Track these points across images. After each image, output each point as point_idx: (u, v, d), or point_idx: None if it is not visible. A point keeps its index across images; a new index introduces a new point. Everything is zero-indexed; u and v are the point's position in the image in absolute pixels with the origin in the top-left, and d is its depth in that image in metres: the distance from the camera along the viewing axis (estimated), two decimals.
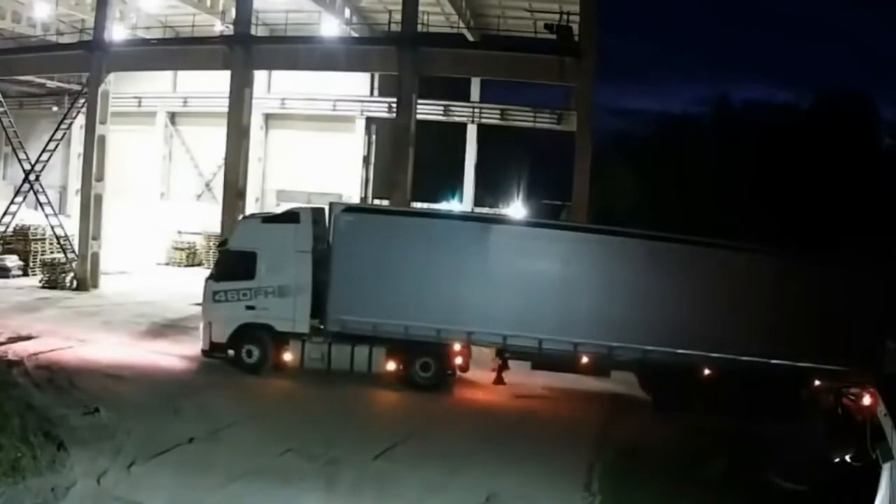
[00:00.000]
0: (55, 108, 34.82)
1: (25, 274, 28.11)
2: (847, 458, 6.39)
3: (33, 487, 9.44)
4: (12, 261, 28.11)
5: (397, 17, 25.80)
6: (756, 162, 45.45)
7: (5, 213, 29.27)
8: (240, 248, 16.99)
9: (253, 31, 26.26)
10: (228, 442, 12.18)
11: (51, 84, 34.38)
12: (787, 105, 52.64)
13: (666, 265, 16.16)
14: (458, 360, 16.46)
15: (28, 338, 18.18)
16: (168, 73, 34.62)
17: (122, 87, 30.09)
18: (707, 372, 15.82)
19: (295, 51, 26.91)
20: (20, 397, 12.87)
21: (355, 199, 33.66)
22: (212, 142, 30.07)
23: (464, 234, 16.73)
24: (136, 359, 17.21)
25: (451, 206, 33.87)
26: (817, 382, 15.67)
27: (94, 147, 27.15)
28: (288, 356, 16.41)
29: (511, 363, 16.75)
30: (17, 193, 29.95)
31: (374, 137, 35.24)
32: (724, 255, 16.38)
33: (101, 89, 27.12)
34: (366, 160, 35.18)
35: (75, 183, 31.80)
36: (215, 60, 26.15)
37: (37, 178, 29.80)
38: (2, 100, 30.67)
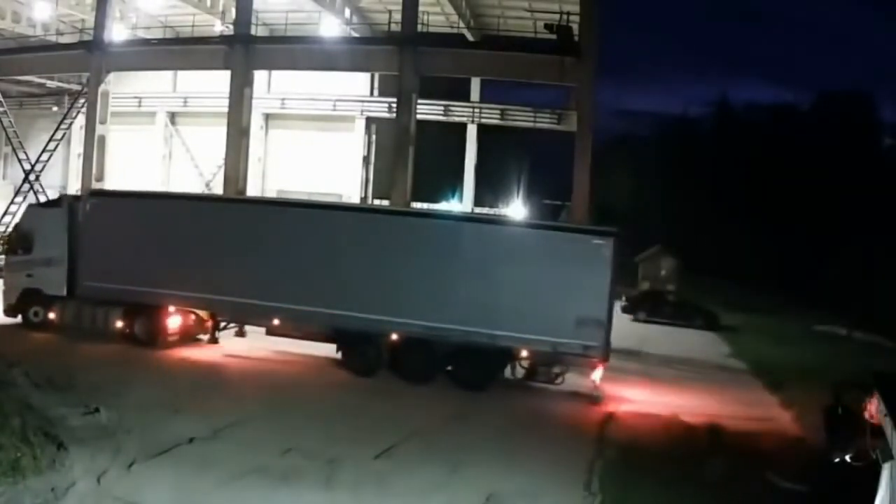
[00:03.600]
0: (55, 108, 34.82)
1: None
2: (847, 458, 6.38)
3: (33, 487, 9.42)
4: None
5: (397, 17, 25.81)
6: (756, 162, 45.51)
7: (5, 213, 29.29)
8: (24, 229, 20.34)
9: (253, 31, 26.28)
10: None
11: (51, 84, 34.37)
12: (787, 105, 52.70)
13: (347, 232, 17.20)
14: (173, 322, 18.45)
15: None
16: (168, 73, 34.61)
17: (122, 86, 30.10)
18: (394, 337, 16.50)
19: (295, 51, 26.92)
20: (20, 397, 12.86)
21: (355, 198, 33.68)
22: (212, 142, 30.06)
23: (174, 211, 19.16)
24: None
25: (451, 205, 33.85)
26: (525, 353, 16.06)
27: (94, 147, 27.15)
28: (52, 315, 19.24)
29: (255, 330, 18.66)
30: (17, 193, 30.01)
31: (374, 137, 35.24)
32: (412, 222, 17.74)
33: (101, 89, 27.13)
34: (366, 160, 35.18)
35: (75, 183, 31.78)
36: (215, 60, 26.16)
37: (37, 178, 29.84)
38: (2, 100, 30.71)
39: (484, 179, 36.22)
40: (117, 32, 28.75)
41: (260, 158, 34.03)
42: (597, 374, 15.93)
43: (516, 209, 34.42)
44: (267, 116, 35.02)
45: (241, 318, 18.88)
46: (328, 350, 17.52)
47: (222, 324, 19.11)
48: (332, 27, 31.43)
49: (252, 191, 28.76)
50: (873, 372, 6.88)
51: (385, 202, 28.20)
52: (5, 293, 20.02)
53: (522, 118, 34.41)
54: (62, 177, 35.95)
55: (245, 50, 25.38)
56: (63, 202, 20.36)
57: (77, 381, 14.15)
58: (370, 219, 18.55)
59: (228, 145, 25.50)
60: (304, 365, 17.58)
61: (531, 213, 34.55)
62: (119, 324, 18.57)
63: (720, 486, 10.87)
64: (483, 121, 34.65)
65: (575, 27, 23.81)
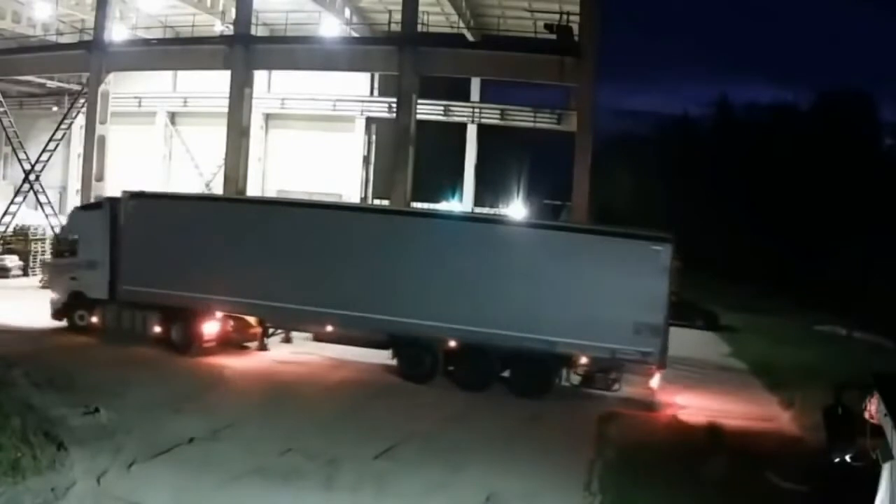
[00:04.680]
0: (55, 108, 34.78)
1: (25, 274, 28.08)
2: (847, 458, 6.38)
3: (33, 487, 9.42)
4: (12, 261, 28.09)
5: (397, 17, 25.83)
6: (756, 162, 45.50)
7: (5, 213, 29.28)
8: (68, 231, 20.51)
9: (253, 31, 26.30)
10: None
11: (51, 84, 34.34)
12: (787, 105, 52.65)
13: (394, 237, 16.96)
14: (210, 328, 18.01)
15: None
16: (168, 73, 34.59)
17: (122, 87, 30.08)
18: (452, 344, 16.26)
19: (295, 51, 26.93)
20: (20, 397, 12.86)
21: (355, 198, 33.66)
22: (212, 142, 30.05)
23: (224, 213, 19.01)
24: None
25: (451, 205, 33.84)
26: (584, 360, 15.87)
27: (94, 147, 27.18)
28: (94, 318, 19.19)
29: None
30: (17, 193, 29.97)
31: (374, 137, 35.22)
32: (471, 227, 17.42)
33: (101, 89, 27.15)
34: (366, 160, 35.16)
35: (75, 183, 31.77)
36: (215, 60, 26.17)
37: (37, 178, 29.82)
38: (2, 100, 30.69)
39: (484, 179, 36.22)
40: (117, 32, 28.75)
41: (260, 158, 34.01)
42: (654, 381, 15.87)
43: (516, 209, 34.40)
44: (267, 116, 35.00)
45: (293, 325, 18.39)
46: (374, 355, 17.20)
47: (271, 330, 18.71)
48: (332, 27, 31.42)
49: (252, 191, 28.76)
50: (873, 372, 6.88)
51: (385, 202, 28.20)
52: (53, 297, 19.98)
53: (522, 118, 34.38)
54: (62, 177, 35.93)
55: (245, 50, 25.39)
56: (103, 204, 20.20)
57: (76, 382, 14.13)
58: (426, 223, 18.20)
59: (228, 145, 25.51)
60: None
61: (531, 213, 34.52)
62: (156, 329, 18.33)
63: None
64: (483, 121, 34.62)
65: (575, 27, 23.83)
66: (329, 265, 17.02)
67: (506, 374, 16.40)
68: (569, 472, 11.41)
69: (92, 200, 20.66)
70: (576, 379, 16.42)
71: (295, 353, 18.45)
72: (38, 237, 29.12)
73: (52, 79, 33.92)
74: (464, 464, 11.42)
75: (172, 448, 11.24)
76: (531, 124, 34.15)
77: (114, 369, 15.59)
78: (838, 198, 40.91)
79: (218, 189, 29.17)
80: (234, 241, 17.71)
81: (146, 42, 30.22)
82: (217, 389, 15.14)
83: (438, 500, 10.19)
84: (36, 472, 9.81)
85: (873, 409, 6.59)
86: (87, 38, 29.09)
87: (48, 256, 22.60)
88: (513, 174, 36.90)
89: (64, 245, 20.37)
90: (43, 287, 26.42)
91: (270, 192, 33.63)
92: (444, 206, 33.62)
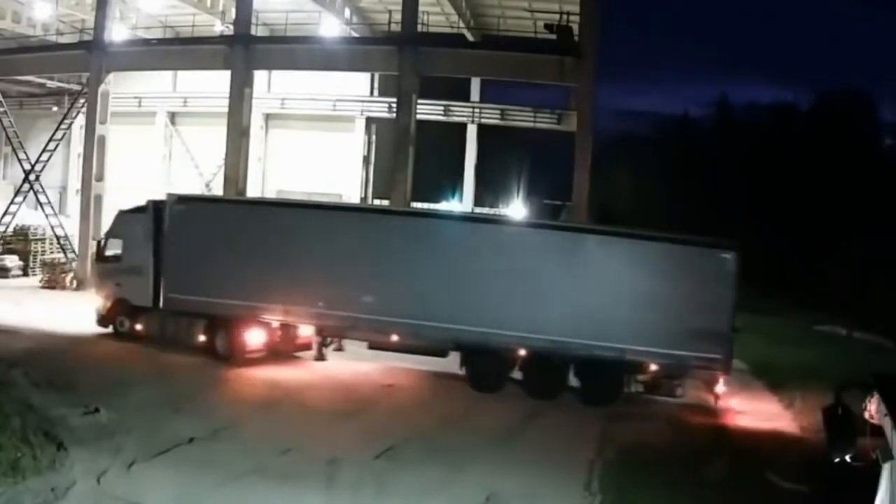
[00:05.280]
0: (55, 108, 34.78)
1: (25, 274, 28.12)
2: (847, 458, 6.37)
3: (33, 487, 9.41)
4: (12, 261, 28.13)
5: (397, 17, 25.82)
6: (756, 162, 45.45)
7: (5, 213, 29.29)
8: (113, 236, 19.76)
9: (253, 31, 26.29)
10: None
11: (51, 84, 34.34)
12: (787, 105, 52.56)
13: (465, 244, 16.66)
14: (255, 337, 17.54)
15: None
16: (168, 73, 34.57)
17: (122, 87, 30.07)
18: (522, 353, 16.06)
19: (295, 51, 26.93)
20: (20, 397, 12.85)
21: (355, 198, 33.66)
22: (212, 142, 30.04)
23: (275, 218, 18.26)
24: None
25: (451, 205, 33.83)
26: (654, 367, 15.79)
27: (94, 147, 27.17)
28: (138, 326, 18.76)
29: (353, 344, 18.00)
30: (17, 193, 29.98)
31: (374, 137, 35.20)
32: (540, 235, 17.09)
33: (101, 89, 27.14)
34: (366, 160, 35.14)
35: (75, 183, 31.78)
36: (215, 60, 26.16)
37: (37, 178, 29.82)
38: (2, 100, 30.69)
39: (484, 179, 36.18)
40: (117, 32, 28.75)
41: (260, 158, 33.99)
42: (720, 386, 15.94)
43: (516, 209, 34.39)
44: (267, 116, 34.97)
45: (353, 334, 17.64)
46: (434, 363, 17.09)
47: (328, 339, 18.20)
48: (332, 27, 31.41)
49: (252, 191, 28.79)
50: (873, 372, 6.87)
51: (385, 202, 28.19)
52: (98, 303, 19.54)
53: (522, 118, 34.36)
54: (62, 177, 35.93)
55: (245, 50, 25.38)
56: (147, 207, 19.38)
57: (78, 382, 14.10)
58: (494, 230, 17.86)
59: (228, 145, 25.51)
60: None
61: (531, 213, 34.51)
62: (201, 337, 17.86)
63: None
64: (483, 121, 34.60)
65: (575, 27, 23.82)
66: (395, 273, 16.64)
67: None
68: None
69: (138, 203, 19.81)
70: (639, 386, 16.28)
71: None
72: (38, 237, 29.14)
73: (52, 79, 33.92)
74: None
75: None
76: (531, 124, 34.13)
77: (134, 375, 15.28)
78: (838, 198, 40.86)
79: (218, 189, 29.17)
80: (291, 248, 17.11)
81: (146, 42, 30.22)
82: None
83: None
84: (36, 472, 9.79)
85: (873, 409, 6.58)
86: (87, 38, 29.07)
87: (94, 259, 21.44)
88: (513, 174, 36.86)
89: (108, 249, 19.65)
90: (43, 287, 26.54)
91: (270, 193, 33.64)
92: (443, 206, 33.62)
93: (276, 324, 17.72)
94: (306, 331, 18.08)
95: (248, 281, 17.24)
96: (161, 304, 18.24)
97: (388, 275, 16.67)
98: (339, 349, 18.76)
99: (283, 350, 18.02)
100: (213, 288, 17.46)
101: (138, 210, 19.70)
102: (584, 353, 15.74)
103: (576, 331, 15.71)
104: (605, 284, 15.81)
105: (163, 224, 18.49)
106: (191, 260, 17.92)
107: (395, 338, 16.82)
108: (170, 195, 19.07)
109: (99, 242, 20.52)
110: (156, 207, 18.94)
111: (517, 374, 16.49)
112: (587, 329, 15.67)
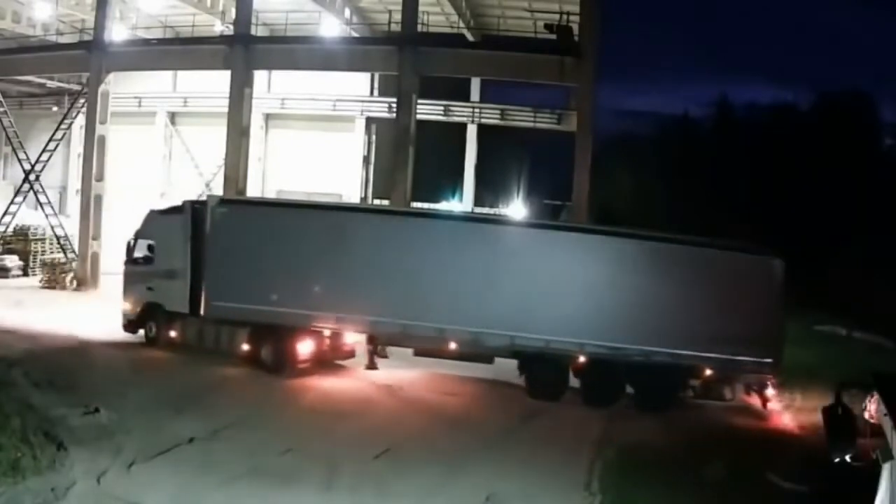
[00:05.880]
0: (55, 108, 34.79)
1: (25, 274, 28.13)
2: (847, 458, 6.38)
3: (33, 487, 9.41)
4: (12, 261, 28.14)
5: (397, 17, 25.80)
6: (756, 162, 45.40)
7: (5, 213, 29.29)
8: (144, 237, 18.69)
9: (253, 31, 26.28)
10: None
11: (51, 84, 34.34)
12: (787, 105, 52.49)
13: (527, 250, 16.51)
14: (305, 347, 16.85)
15: None
16: (168, 73, 34.56)
17: (122, 87, 30.06)
18: (581, 360, 16.05)
19: (295, 51, 26.92)
20: (20, 397, 12.85)
21: (355, 198, 33.66)
22: (212, 142, 30.03)
23: (329, 223, 17.50)
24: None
25: (451, 205, 33.83)
26: (709, 372, 15.84)
27: (94, 147, 27.16)
28: (173, 333, 17.86)
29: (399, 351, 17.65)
30: (17, 193, 29.99)
31: (374, 137, 35.19)
32: (594, 240, 16.90)
33: (101, 89, 27.14)
34: (366, 160, 35.12)
35: (75, 183, 31.77)
36: (215, 60, 26.15)
37: (37, 178, 29.83)
38: (2, 100, 30.70)
39: (484, 179, 36.16)
40: (117, 32, 28.74)
41: (260, 158, 33.98)
42: (770, 390, 16.08)
43: (516, 209, 34.38)
44: (267, 116, 34.96)
45: (407, 342, 17.23)
46: (481, 369, 16.97)
47: (379, 348, 17.80)
48: (331, 27, 31.40)
49: (252, 191, 28.80)
50: (873, 372, 6.88)
51: (385, 202, 28.18)
52: (124, 307, 18.60)
53: (522, 118, 34.35)
54: (62, 177, 35.93)
55: (245, 50, 25.37)
56: (185, 208, 18.50)
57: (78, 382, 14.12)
58: (555, 238, 17.45)
59: (228, 145, 25.49)
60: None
61: (531, 213, 34.50)
62: (245, 346, 17.05)
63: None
64: (483, 121, 34.59)
65: (575, 27, 23.81)
66: (452, 280, 16.36)
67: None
68: None
69: (173, 203, 19.07)
70: (690, 391, 16.34)
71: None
72: (38, 237, 29.14)
73: (52, 79, 33.92)
74: None
75: None
76: (531, 124, 34.12)
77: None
78: (838, 198, 40.83)
79: (218, 189, 29.16)
80: (345, 253, 16.68)
81: (146, 42, 30.21)
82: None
83: None
84: (36, 472, 9.79)
85: (873, 409, 6.58)
86: (87, 38, 29.06)
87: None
88: (513, 174, 36.86)
89: (139, 250, 18.65)
90: (43, 287, 26.54)
91: (270, 193, 33.64)
92: (443, 206, 33.61)
93: (326, 332, 17.21)
94: (351, 338, 17.63)
95: (298, 288, 16.73)
96: (203, 311, 17.34)
97: (446, 282, 16.41)
98: (385, 356, 18.23)
99: (328, 359, 17.41)
100: (259, 295, 16.77)
101: (174, 210, 18.84)
102: (642, 360, 15.74)
103: (634, 337, 15.70)
104: (665, 291, 15.79)
105: (201, 227, 17.64)
106: (235, 266, 17.16)
107: (452, 346, 16.56)
108: (210, 196, 18.47)
109: (128, 243, 19.38)
110: (193, 208, 18.15)
111: (574, 382, 16.41)
112: (645, 335, 15.67)
